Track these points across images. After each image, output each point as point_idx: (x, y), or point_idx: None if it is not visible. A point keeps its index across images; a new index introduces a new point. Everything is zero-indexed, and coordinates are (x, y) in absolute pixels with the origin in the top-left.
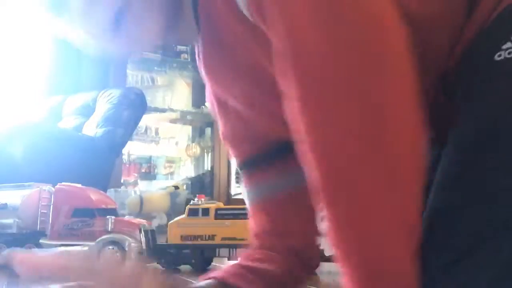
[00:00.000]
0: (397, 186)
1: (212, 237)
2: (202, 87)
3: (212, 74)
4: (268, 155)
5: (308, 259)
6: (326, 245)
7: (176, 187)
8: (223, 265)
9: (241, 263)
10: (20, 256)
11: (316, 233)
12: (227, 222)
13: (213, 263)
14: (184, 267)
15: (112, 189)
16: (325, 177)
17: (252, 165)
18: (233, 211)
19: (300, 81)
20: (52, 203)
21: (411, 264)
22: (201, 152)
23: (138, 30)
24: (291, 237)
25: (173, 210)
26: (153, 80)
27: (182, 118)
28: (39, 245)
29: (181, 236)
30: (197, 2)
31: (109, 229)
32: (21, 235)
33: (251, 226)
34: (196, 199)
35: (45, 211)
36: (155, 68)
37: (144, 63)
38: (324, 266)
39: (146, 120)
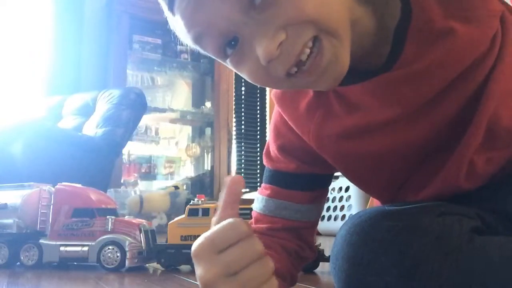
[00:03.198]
0: None
1: None
2: (202, 87)
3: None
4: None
5: (302, 258)
6: (326, 245)
7: (176, 187)
8: None
9: None
10: None
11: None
12: None
13: None
14: (184, 267)
15: (112, 189)
16: None
17: (293, 183)
18: None
19: None
20: (52, 203)
21: None
22: (201, 152)
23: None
24: (288, 244)
25: (173, 210)
26: (153, 80)
27: (182, 118)
28: (39, 245)
29: (181, 236)
30: None
31: (109, 229)
32: (21, 235)
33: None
34: (196, 199)
35: (45, 211)
36: (155, 68)
37: (144, 63)
38: (324, 266)
39: (146, 120)
